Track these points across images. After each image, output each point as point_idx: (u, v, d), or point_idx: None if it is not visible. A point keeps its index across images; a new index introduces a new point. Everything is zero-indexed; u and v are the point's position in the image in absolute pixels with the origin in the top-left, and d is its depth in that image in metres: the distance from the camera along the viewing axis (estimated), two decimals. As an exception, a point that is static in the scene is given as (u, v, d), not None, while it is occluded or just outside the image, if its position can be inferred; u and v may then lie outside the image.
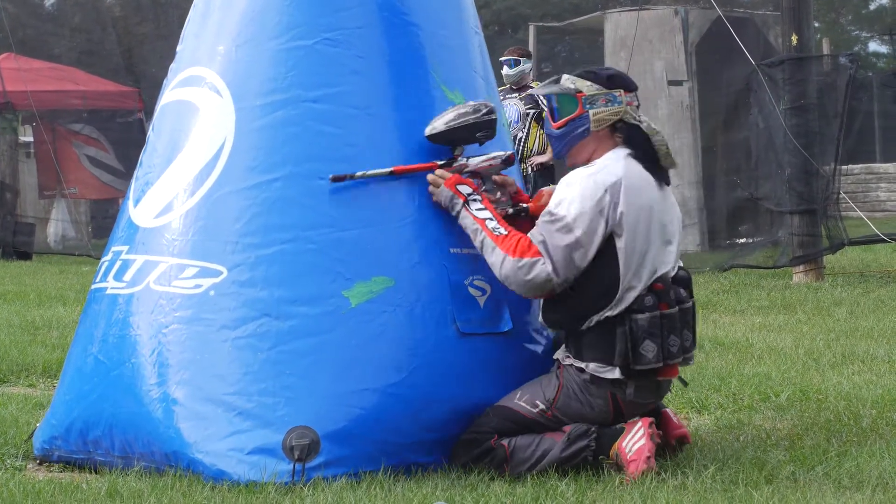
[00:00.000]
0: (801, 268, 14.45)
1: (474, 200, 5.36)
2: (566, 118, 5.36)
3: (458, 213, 5.35)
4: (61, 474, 5.37)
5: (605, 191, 5.20)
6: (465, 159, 5.46)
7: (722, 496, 4.80)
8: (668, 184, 5.42)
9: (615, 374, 5.22)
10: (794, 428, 6.11)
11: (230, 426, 5.06)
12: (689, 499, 4.77)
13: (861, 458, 5.35)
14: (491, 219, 5.31)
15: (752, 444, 5.73)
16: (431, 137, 5.42)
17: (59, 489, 4.92)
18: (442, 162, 5.44)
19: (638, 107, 5.41)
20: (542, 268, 5.20)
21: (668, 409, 5.57)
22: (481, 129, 5.41)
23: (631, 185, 5.23)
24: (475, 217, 5.32)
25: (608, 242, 5.22)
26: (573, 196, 5.21)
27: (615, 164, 5.29)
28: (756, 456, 5.46)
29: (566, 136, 5.37)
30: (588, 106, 5.32)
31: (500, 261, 5.24)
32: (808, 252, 14.45)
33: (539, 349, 5.50)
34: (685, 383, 5.64)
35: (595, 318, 5.25)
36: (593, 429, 5.22)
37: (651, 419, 5.24)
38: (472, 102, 5.46)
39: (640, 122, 5.35)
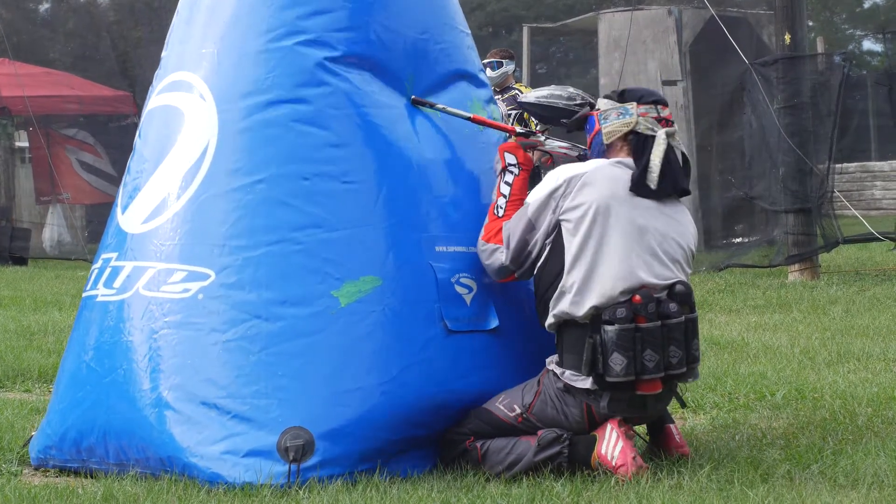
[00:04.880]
0: (797, 266, 14.47)
1: (510, 172, 5.48)
2: (589, 137, 5.49)
3: (497, 177, 5.51)
4: (57, 479, 5.37)
5: (564, 181, 5.26)
6: (543, 137, 5.57)
7: (717, 495, 4.80)
8: (665, 198, 5.32)
9: (587, 383, 5.17)
10: (789, 427, 6.11)
11: (224, 429, 5.06)
12: (685, 498, 4.77)
13: (856, 457, 5.35)
14: (505, 196, 5.44)
15: (747, 443, 5.74)
16: (521, 104, 5.65)
17: (55, 494, 4.92)
18: (520, 130, 5.58)
19: (660, 119, 5.36)
20: (498, 256, 5.37)
21: (672, 426, 5.49)
22: (565, 115, 5.54)
23: (592, 181, 5.24)
24: (499, 189, 5.48)
25: (559, 234, 5.25)
26: (540, 185, 5.33)
27: (592, 163, 5.35)
28: (752, 455, 5.46)
29: (593, 154, 5.46)
30: (603, 122, 5.41)
31: (478, 238, 5.42)
32: (804, 251, 14.47)
33: (530, 346, 5.51)
34: (683, 404, 5.54)
35: (553, 314, 5.23)
36: (565, 435, 5.18)
37: (618, 418, 5.19)
38: (571, 89, 5.60)
39: (654, 131, 5.34)
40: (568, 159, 5.55)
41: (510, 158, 5.52)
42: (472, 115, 5.51)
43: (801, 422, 6.21)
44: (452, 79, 5.73)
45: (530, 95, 5.62)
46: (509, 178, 5.48)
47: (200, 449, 5.05)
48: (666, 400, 5.37)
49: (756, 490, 4.85)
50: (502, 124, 5.61)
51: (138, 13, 24.95)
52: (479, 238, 5.44)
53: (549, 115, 5.58)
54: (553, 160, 5.59)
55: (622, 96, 5.42)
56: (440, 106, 5.49)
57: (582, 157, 5.58)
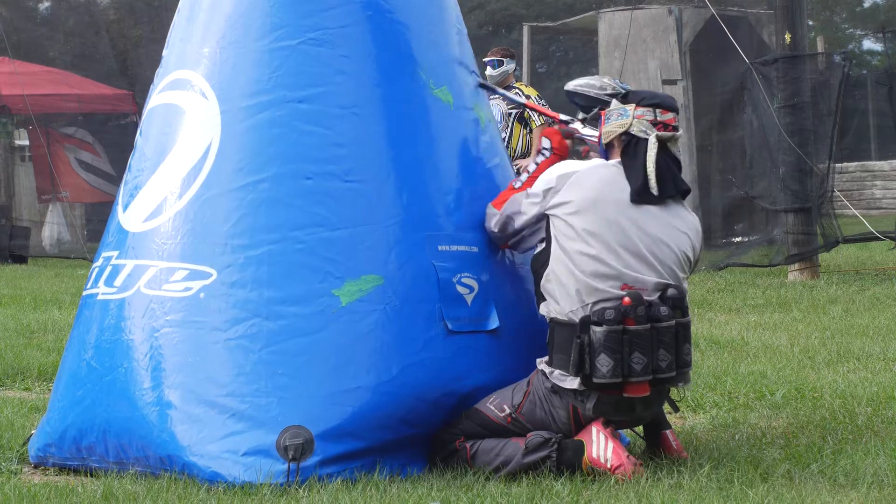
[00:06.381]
0: (797, 266, 14.47)
1: (542, 154, 5.68)
2: (598, 135, 5.61)
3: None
4: (57, 477, 5.37)
5: (557, 178, 5.36)
6: (578, 123, 5.79)
7: (717, 494, 4.80)
8: (666, 201, 5.32)
9: (574, 384, 5.17)
10: (789, 426, 6.11)
11: (224, 428, 5.06)
12: (685, 497, 4.77)
13: (856, 456, 5.35)
14: (528, 172, 5.59)
15: (747, 443, 5.74)
16: (566, 92, 5.91)
17: (55, 493, 4.92)
18: (563, 118, 5.84)
19: (656, 123, 5.34)
20: (491, 221, 5.51)
21: (668, 432, 5.47)
22: (596, 104, 5.73)
23: (580, 181, 5.30)
24: (527, 167, 5.65)
25: (549, 226, 5.33)
26: (540, 178, 5.48)
27: (588, 163, 5.44)
28: (751, 454, 5.46)
29: (603, 152, 5.51)
30: (606, 121, 5.45)
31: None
32: (803, 250, 14.48)
33: (530, 348, 5.50)
34: (676, 408, 5.52)
35: (546, 304, 5.27)
36: (554, 439, 5.17)
37: (601, 419, 5.19)
38: (605, 79, 5.80)
39: (647, 135, 5.32)
40: (596, 146, 5.69)
41: (545, 142, 5.70)
42: (525, 102, 5.77)
43: (800, 421, 6.21)
44: (451, 64, 5.73)
45: (570, 84, 5.87)
46: (539, 158, 5.66)
47: (200, 448, 5.05)
48: (655, 404, 5.34)
49: (756, 489, 4.85)
50: (549, 111, 5.84)
51: (138, 12, 24.96)
52: (490, 203, 5.57)
53: (584, 104, 5.79)
54: (590, 149, 5.74)
55: (626, 98, 5.44)
56: (501, 91, 5.72)
57: None
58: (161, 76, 5.75)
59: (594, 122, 5.77)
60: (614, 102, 5.46)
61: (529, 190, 5.43)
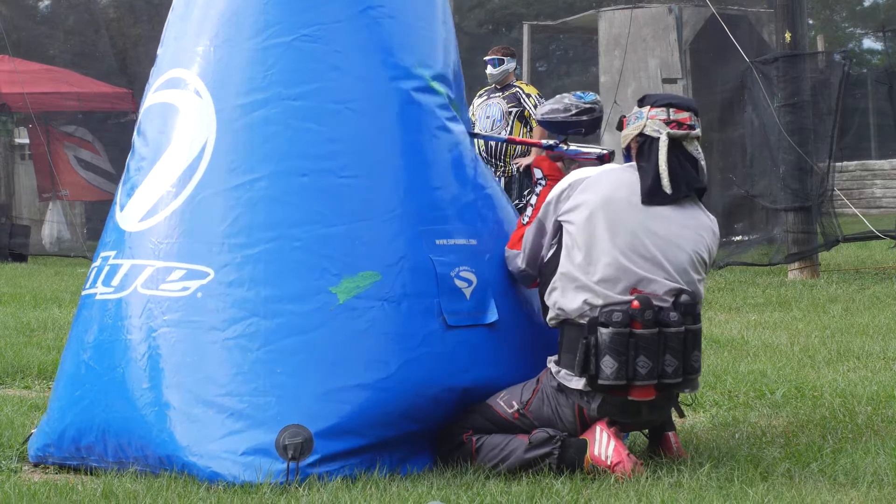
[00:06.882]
0: (797, 265, 14.47)
1: (540, 185, 5.66)
2: (585, 150, 5.69)
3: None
4: (57, 476, 5.37)
5: (569, 185, 5.35)
6: (563, 146, 5.75)
7: (717, 493, 4.80)
8: (679, 202, 5.28)
9: (579, 384, 5.18)
10: (789, 425, 6.11)
11: (223, 427, 5.06)
12: (685, 496, 4.77)
13: (856, 455, 5.35)
14: (532, 206, 5.54)
15: (747, 442, 5.74)
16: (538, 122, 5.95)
17: (55, 491, 4.92)
18: (546, 142, 5.80)
19: (669, 122, 5.31)
20: (516, 262, 5.47)
21: (671, 434, 5.46)
22: (571, 126, 5.69)
23: (592, 184, 5.29)
24: (530, 202, 5.60)
25: (562, 234, 5.31)
26: (553, 189, 5.45)
27: (601, 168, 5.44)
28: (751, 453, 5.46)
29: (626, 157, 5.47)
30: (627, 127, 5.44)
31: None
32: (803, 249, 14.48)
33: (529, 341, 5.50)
34: (682, 414, 5.49)
35: (551, 309, 5.27)
36: (558, 436, 5.17)
37: (605, 419, 5.18)
38: (567, 99, 5.72)
39: (658, 133, 5.30)
40: (587, 163, 5.62)
41: (538, 173, 5.70)
42: (507, 137, 5.73)
43: (800, 420, 6.21)
44: (442, 59, 5.71)
45: (538, 112, 5.83)
46: (538, 189, 5.63)
47: (199, 448, 5.04)
48: (663, 409, 5.33)
49: (756, 488, 4.85)
50: (529, 140, 5.84)
51: (138, 10, 24.95)
52: (506, 246, 5.54)
53: (555, 129, 5.73)
54: (580, 166, 5.72)
55: (641, 101, 5.44)
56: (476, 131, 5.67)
57: (601, 159, 5.66)
58: (156, 75, 5.75)
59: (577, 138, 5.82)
60: (635, 108, 5.44)
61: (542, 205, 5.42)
